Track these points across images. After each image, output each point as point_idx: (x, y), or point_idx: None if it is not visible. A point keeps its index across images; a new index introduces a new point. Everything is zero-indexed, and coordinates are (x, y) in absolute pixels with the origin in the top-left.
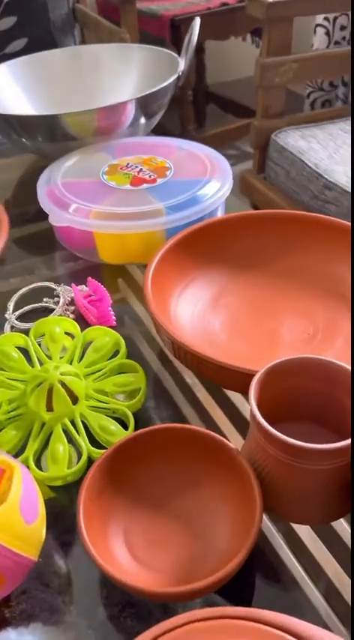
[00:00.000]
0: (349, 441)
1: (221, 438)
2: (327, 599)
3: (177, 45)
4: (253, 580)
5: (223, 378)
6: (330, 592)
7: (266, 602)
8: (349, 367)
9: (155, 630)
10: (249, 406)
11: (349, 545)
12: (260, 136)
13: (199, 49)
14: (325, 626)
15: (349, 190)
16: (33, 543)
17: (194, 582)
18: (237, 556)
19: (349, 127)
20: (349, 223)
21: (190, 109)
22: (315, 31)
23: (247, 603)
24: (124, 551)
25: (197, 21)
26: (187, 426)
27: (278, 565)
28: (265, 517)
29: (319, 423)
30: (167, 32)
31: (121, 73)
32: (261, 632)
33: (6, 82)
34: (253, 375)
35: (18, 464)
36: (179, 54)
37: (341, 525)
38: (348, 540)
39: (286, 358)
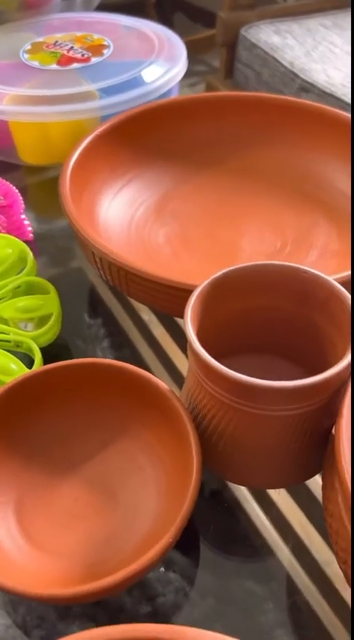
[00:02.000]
0: (316, 379)
1: (148, 374)
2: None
3: None
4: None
5: (161, 299)
6: (300, 550)
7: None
8: (326, 277)
9: None
10: (185, 331)
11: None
12: (228, 31)
13: None
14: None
15: (329, 92)
16: None
17: (110, 570)
18: (160, 541)
19: (329, 22)
20: (328, 107)
21: (153, 16)
22: None
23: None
24: (13, 528)
25: None
26: (101, 360)
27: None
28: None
29: (283, 355)
30: None
31: None
32: None
33: None
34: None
35: None
36: None
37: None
38: (318, 495)
39: (236, 266)
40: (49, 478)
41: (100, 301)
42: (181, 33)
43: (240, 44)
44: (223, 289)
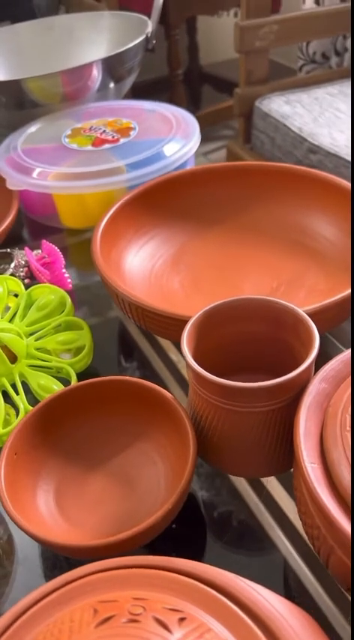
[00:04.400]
0: (290, 376)
1: (158, 387)
2: (293, 544)
3: (163, 23)
4: (203, 538)
5: (173, 331)
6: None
7: (218, 558)
8: (294, 307)
9: (53, 583)
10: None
11: None
12: (244, 103)
13: (191, 29)
14: (295, 576)
15: (333, 152)
16: None
17: None
18: (162, 507)
19: (336, 90)
20: (317, 171)
21: (182, 90)
22: (304, 0)
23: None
24: (53, 509)
25: None
26: (122, 377)
27: (247, 519)
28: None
29: (265, 371)
30: (151, 8)
31: (94, 41)
32: (168, 579)
33: None
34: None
35: None
36: (167, 31)
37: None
38: None
39: (225, 300)
40: (81, 471)
41: (123, 337)
42: (207, 102)
43: (255, 114)
44: (214, 318)
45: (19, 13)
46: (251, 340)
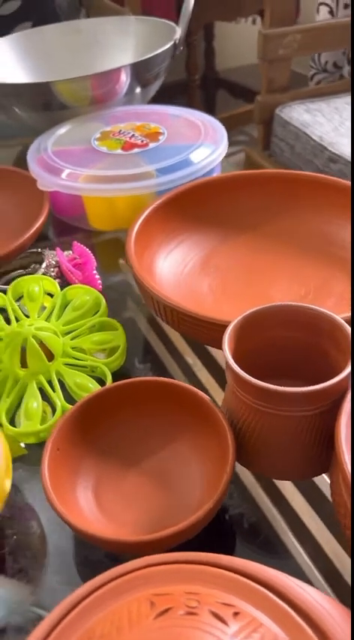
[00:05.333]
0: (327, 384)
1: (195, 389)
2: (309, 555)
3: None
4: (233, 538)
5: (204, 334)
6: (315, 551)
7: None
8: (332, 314)
9: (106, 575)
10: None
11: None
12: (264, 111)
13: (209, 34)
14: (308, 581)
15: None
16: None
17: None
18: (203, 507)
19: None
20: (345, 181)
21: (198, 95)
22: (318, 10)
23: None
24: (92, 504)
25: None
26: (159, 378)
27: (261, 524)
28: (253, 477)
29: (306, 381)
30: (174, 14)
31: (120, 46)
32: (215, 575)
33: (6, 55)
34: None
35: None
36: (188, 37)
37: (323, 479)
38: (328, 494)
39: (264, 306)
40: (119, 469)
41: (139, 338)
42: (222, 108)
43: (275, 121)
44: (252, 323)
45: (41, 15)
46: (287, 345)
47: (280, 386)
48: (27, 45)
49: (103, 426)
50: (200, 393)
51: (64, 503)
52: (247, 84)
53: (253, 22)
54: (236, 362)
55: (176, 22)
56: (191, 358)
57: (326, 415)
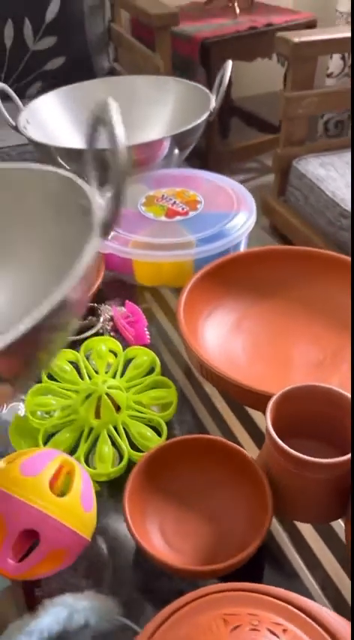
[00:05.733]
0: (344, 458)
1: (241, 449)
2: (322, 589)
3: (205, 66)
4: (261, 570)
5: (243, 397)
6: (326, 583)
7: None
8: (348, 394)
9: (189, 596)
10: (265, 422)
11: (344, 542)
12: (282, 162)
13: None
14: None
15: None
16: (88, 527)
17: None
18: (250, 546)
19: None
20: (348, 258)
21: (215, 122)
22: (331, 57)
23: None
24: (158, 537)
25: (229, 63)
26: (213, 437)
27: (282, 558)
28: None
29: (327, 441)
30: (197, 54)
31: (157, 104)
32: (268, 602)
33: (50, 111)
34: (269, 396)
35: (76, 462)
36: (208, 74)
37: (338, 525)
38: (343, 537)
39: (297, 385)
40: (178, 511)
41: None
42: (237, 134)
43: (292, 172)
44: (288, 397)
45: (74, 51)
46: (312, 415)
47: (305, 445)
48: (69, 100)
49: (165, 475)
50: (243, 451)
51: (138, 536)
52: (261, 112)
53: (269, 58)
54: (274, 426)
55: (199, 60)
56: (220, 404)
57: (343, 476)
